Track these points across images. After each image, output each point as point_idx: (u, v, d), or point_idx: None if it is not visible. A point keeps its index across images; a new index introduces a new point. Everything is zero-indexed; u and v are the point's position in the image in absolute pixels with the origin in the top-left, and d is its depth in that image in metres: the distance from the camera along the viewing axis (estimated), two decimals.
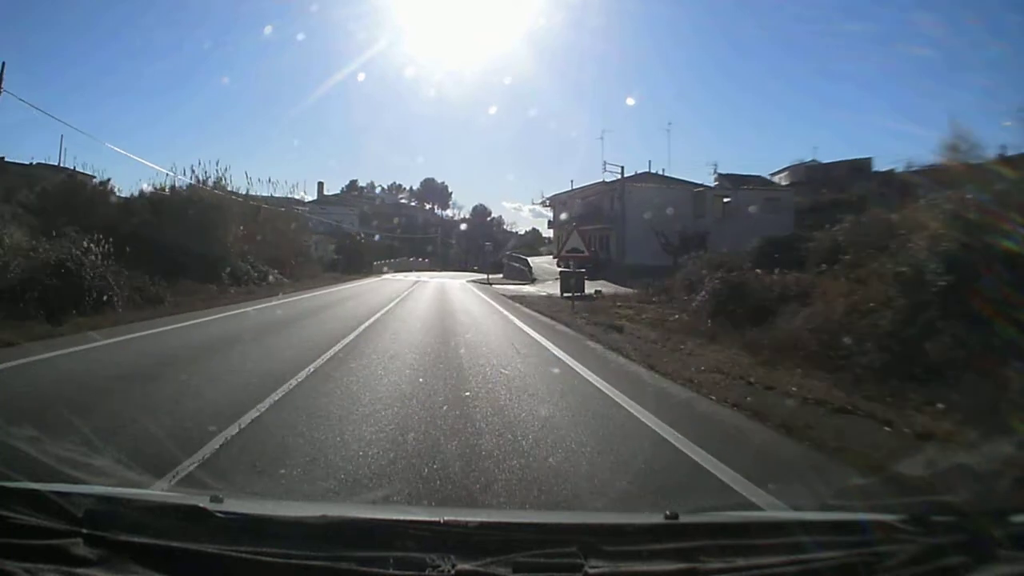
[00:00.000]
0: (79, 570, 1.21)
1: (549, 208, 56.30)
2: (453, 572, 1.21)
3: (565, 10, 42.70)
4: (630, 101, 77.78)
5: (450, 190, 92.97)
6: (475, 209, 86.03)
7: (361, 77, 73.48)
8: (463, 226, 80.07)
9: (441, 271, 59.60)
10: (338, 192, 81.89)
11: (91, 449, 3.53)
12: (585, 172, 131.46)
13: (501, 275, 44.15)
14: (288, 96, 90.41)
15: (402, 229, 71.29)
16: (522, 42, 52.91)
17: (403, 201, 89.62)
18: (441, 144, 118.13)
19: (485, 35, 58.12)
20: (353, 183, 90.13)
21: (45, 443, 3.18)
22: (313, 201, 63.19)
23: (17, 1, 47.07)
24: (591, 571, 1.23)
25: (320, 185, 74.08)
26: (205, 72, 74.78)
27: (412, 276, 43.63)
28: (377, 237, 63.49)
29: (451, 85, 76.21)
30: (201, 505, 1.45)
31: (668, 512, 1.50)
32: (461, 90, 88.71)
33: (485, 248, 60.85)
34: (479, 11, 51.63)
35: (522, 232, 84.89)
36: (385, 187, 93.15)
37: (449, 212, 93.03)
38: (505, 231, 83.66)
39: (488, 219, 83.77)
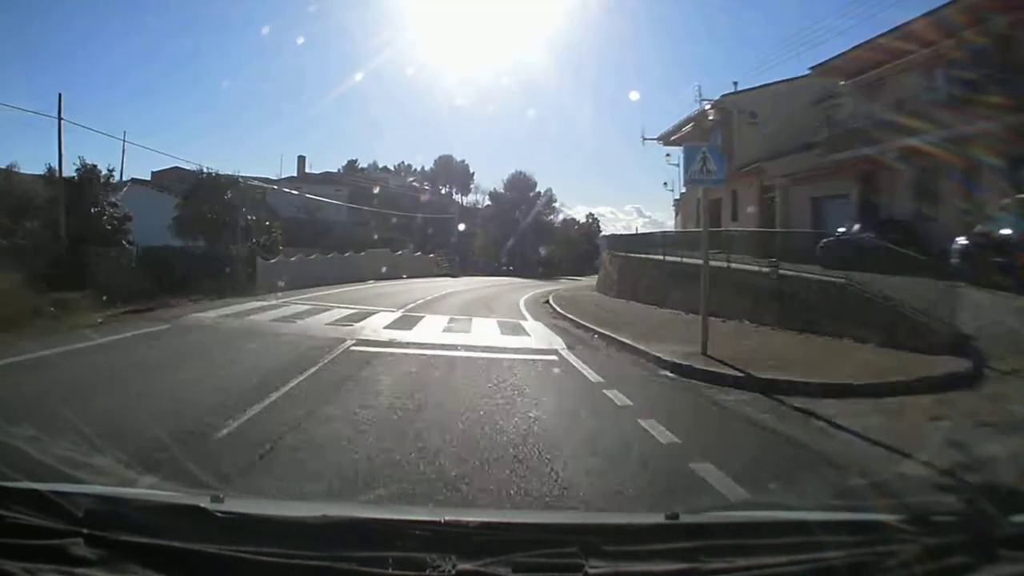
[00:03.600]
0: (79, 570, 1.21)
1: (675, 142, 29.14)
2: (453, 572, 1.21)
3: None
4: (634, 96, 72.07)
5: (471, 170, 71.84)
6: (511, 181, 57.25)
7: (358, 76, 69.28)
8: (466, 226, 54.63)
9: (456, 278, 37.59)
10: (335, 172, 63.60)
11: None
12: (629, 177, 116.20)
13: (588, 281, 26.30)
14: (296, 91, 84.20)
15: (406, 216, 50.23)
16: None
17: (414, 183, 68.94)
18: (459, 136, 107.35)
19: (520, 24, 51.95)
20: (352, 163, 71.51)
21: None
22: (288, 178, 47.87)
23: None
24: (591, 571, 1.23)
25: (301, 160, 56.10)
26: (219, 65, 72.36)
27: (337, 312, 14.23)
28: (369, 230, 42.44)
29: (472, 75, 69.63)
30: (201, 505, 1.45)
31: (668, 512, 1.51)
32: (481, 83, 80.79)
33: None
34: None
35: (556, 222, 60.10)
36: (392, 168, 75.17)
37: (471, 199, 71.00)
38: (551, 220, 58.14)
39: (532, 194, 56.29)
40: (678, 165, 30.54)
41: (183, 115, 79.35)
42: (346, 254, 32.38)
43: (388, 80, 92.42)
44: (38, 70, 52.40)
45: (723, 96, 25.19)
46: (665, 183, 49.45)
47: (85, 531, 1.30)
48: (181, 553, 1.27)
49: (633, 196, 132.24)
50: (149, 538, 1.30)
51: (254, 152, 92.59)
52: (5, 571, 1.17)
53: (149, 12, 58.42)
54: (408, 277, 34.00)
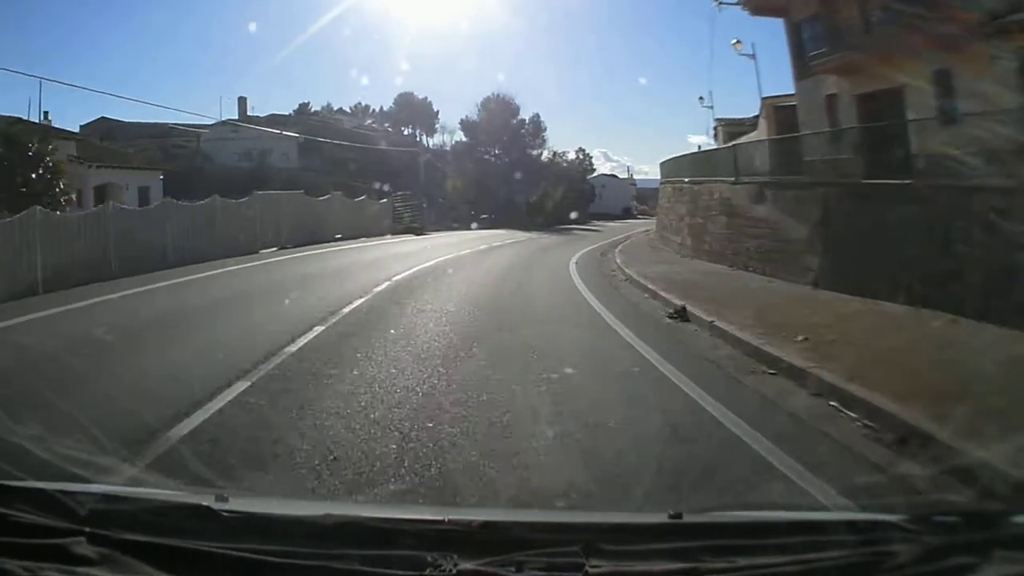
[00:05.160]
0: (81, 569, 1.22)
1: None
2: (454, 571, 1.21)
3: None
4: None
5: (435, 108, 61.96)
6: (487, 106, 45.28)
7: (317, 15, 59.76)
8: (434, 169, 42.89)
9: (420, 235, 27.73)
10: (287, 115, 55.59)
11: None
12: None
13: (608, 236, 20.48)
14: (246, 31, 76.79)
15: (365, 160, 40.90)
16: None
17: (373, 124, 60.14)
18: (420, 75, 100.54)
19: None
20: (304, 106, 63.26)
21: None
22: (228, 121, 40.54)
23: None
24: (592, 570, 1.23)
25: (241, 101, 48.63)
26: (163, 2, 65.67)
27: None
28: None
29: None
30: (205, 504, 1.46)
31: (671, 511, 1.50)
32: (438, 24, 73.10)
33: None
34: None
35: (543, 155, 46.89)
36: (348, 109, 66.92)
37: (437, 140, 60.67)
38: (546, 155, 46.87)
39: (514, 122, 44.98)
40: (752, 56, 24.00)
41: (120, 61, 72.53)
42: (200, 202, 18.35)
43: (346, 15, 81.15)
44: None
45: None
46: (701, 98, 41.44)
47: (88, 530, 1.30)
48: (185, 552, 1.27)
49: (599, 140, 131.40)
50: (152, 537, 1.30)
51: (201, 102, 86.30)
52: (6, 570, 1.17)
53: None
54: (344, 238, 22.60)
